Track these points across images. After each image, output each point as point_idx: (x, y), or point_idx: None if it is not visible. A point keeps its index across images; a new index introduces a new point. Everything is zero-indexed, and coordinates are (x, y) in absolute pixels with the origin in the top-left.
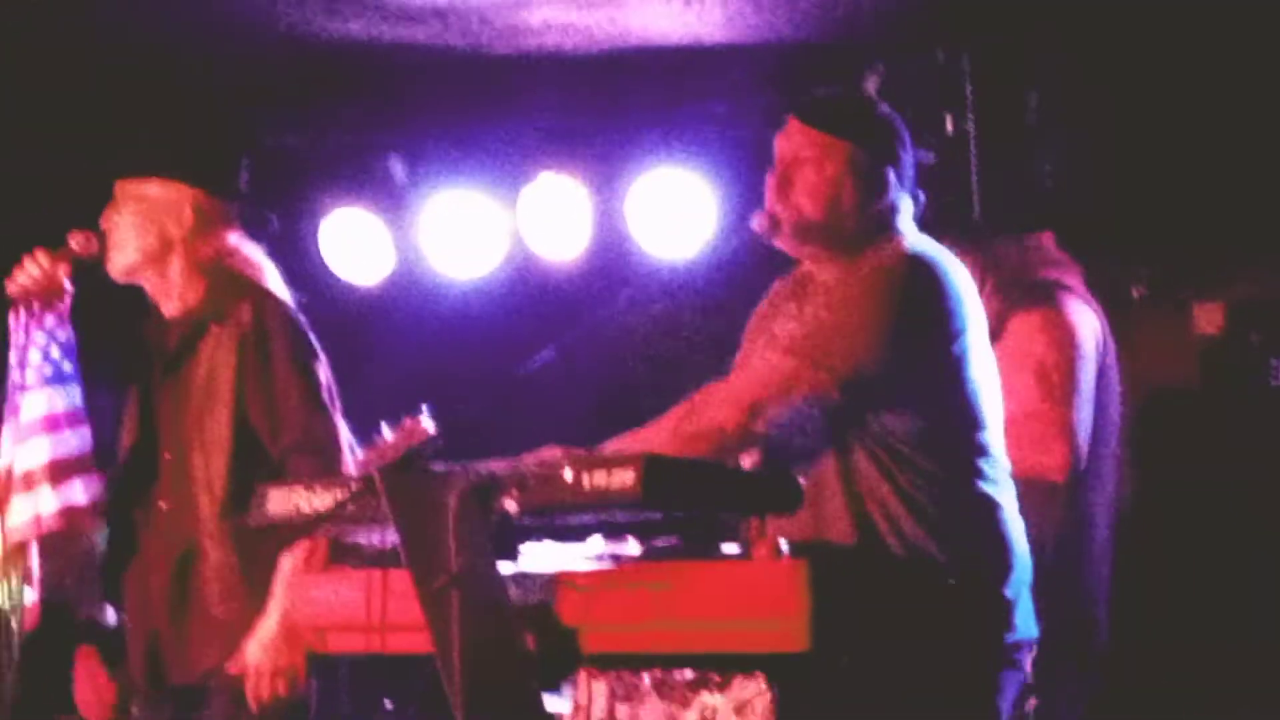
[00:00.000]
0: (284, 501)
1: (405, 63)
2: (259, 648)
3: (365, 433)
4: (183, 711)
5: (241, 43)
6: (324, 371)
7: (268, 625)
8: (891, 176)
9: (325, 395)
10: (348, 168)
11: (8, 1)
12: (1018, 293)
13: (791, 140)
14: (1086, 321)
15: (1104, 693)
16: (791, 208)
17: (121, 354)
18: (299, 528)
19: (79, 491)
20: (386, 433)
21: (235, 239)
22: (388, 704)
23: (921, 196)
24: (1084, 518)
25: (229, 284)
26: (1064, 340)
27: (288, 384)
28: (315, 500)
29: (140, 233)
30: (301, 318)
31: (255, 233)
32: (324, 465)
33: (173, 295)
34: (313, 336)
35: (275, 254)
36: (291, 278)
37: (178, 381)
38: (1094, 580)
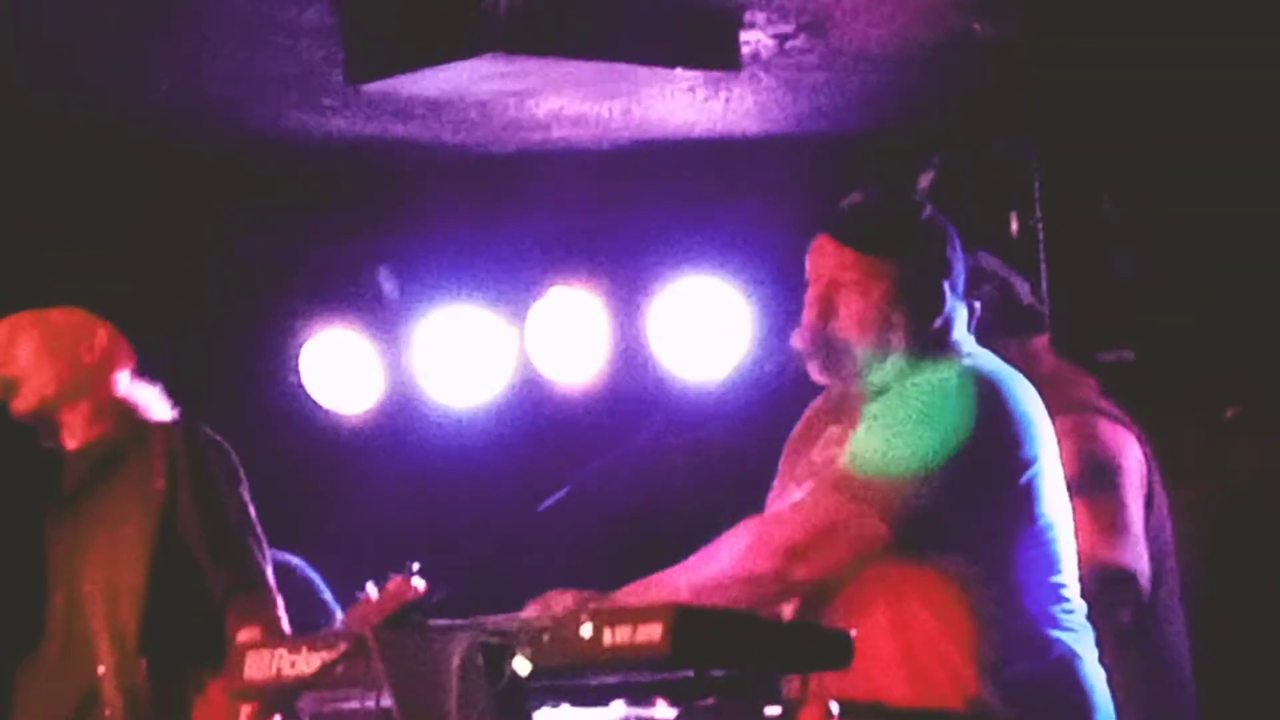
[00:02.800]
0: (264, 665)
1: (394, 163)
2: None
3: (346, 589)
4: None
5: (202, 140)
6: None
7: None
8: (945, 288)
9: (258, 526)
10: (331, 282)
11: None
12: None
13: (827, 260)
14: (1128, 449)
15: None
16: (830, 337)
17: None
18: (283, 693)
19: None
20: (371, 591)
21: (130, 372)
22: None
23: (977, 305)
24: (1163, 664)
25: (139, 414)
26: (1109, 471)
27: (227, 513)
28: (300, 662)
29: (52, 361)
30: (226, 445)
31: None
32: (266, 604)
33: (80, 426)
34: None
35: (244, 376)
36: (268, 406)
37: (77, 517)
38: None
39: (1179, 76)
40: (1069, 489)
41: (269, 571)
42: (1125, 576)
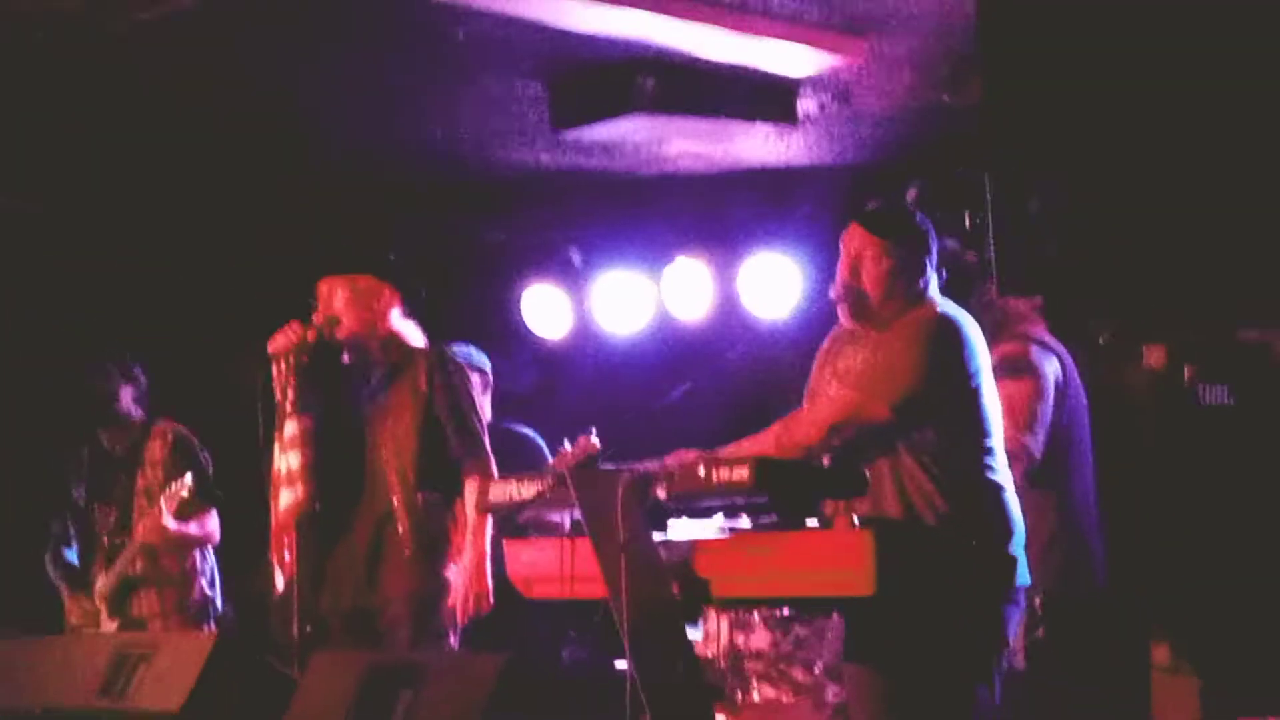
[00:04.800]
0: (501, 492)
1: (581, 181)
2: (462, 578)
3: (553, 444)
4: (376, 628)
5: (472, 171)
6: (480, 401)
7: (466, 566)
8: (926, 263)
9: (483, 415)
10: (541, 255)
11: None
12: (999, 341)
13: (855, 240)
14: (1047, 362)
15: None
16: (855, 290)
17: (332, 396)
18: (512, 510)
19: (315, 488)
20: (567, 445)
21: (400, 314)
22: (573, 634)
23: (944, 273)
24: (1069, 509)
25: (406, 341)
26: (1028, 379)
27: (462, 406)
28: (524, 490)
29: (357, 307)
30: (484, 360)
31: (411, 307)
32: (484, 463)
33: (376, 349)
34: (476, 375)
35: (489, 317)
36: (501, 334)
37: (376, 405)
38: (1090, 550)
39: (1085, 128)
40: (999, 386)
41: (487, 443)
42: (1019, 448)
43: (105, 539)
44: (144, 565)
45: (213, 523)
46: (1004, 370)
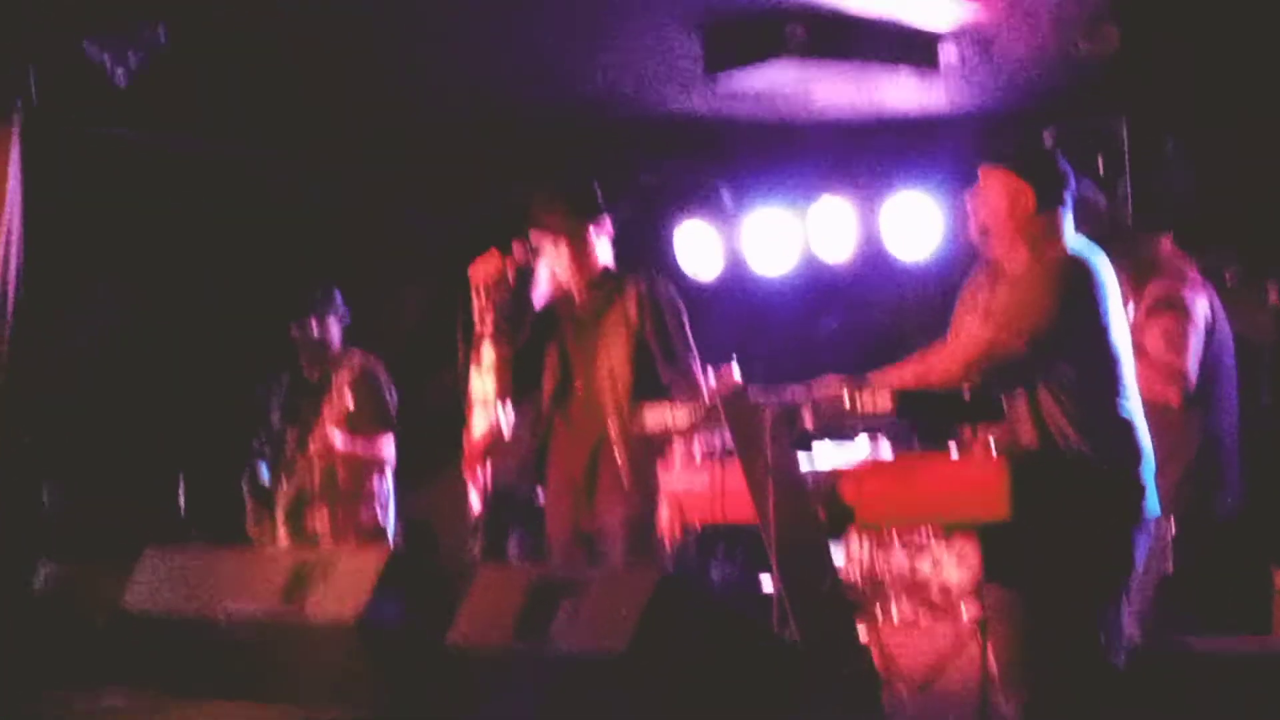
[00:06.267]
0: (659, 417)
1: (732, 126)
2: (667, 508)
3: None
4: (592, 549)
5: (630, 115)
6: (688, 328)
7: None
8: (1062, 206)
9: (691, 343)
10: (693, 194)
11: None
12: (1152, 278)
13: (994, 181)
14: (1198, 300)
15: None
16: (994, 231)
17: (537, 327)
18: (667, 434)
19: (512, 412)
20: (711, 376)
21: (607, 244)
22: (722, 552)
23: (1079, 215)
24: (1214, 433)
25: (614, 271)
26: (1181, 314)
27: (671, 333)
28: (679, 417)
29: (567, 263)
30: (673, 290)
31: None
32: (694, 388)
33: (580, 280)
34: (682, 306)
35: (645, 253)
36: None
37: (585, 334)
38: (1230, 472)
39: (1219, 73)
40: (1156, 320)
41: (698, 370)
42: (1177, 372)
43: (290, 457)
44: (320, 482)
45: (387, 447)
46: (1161, 306)
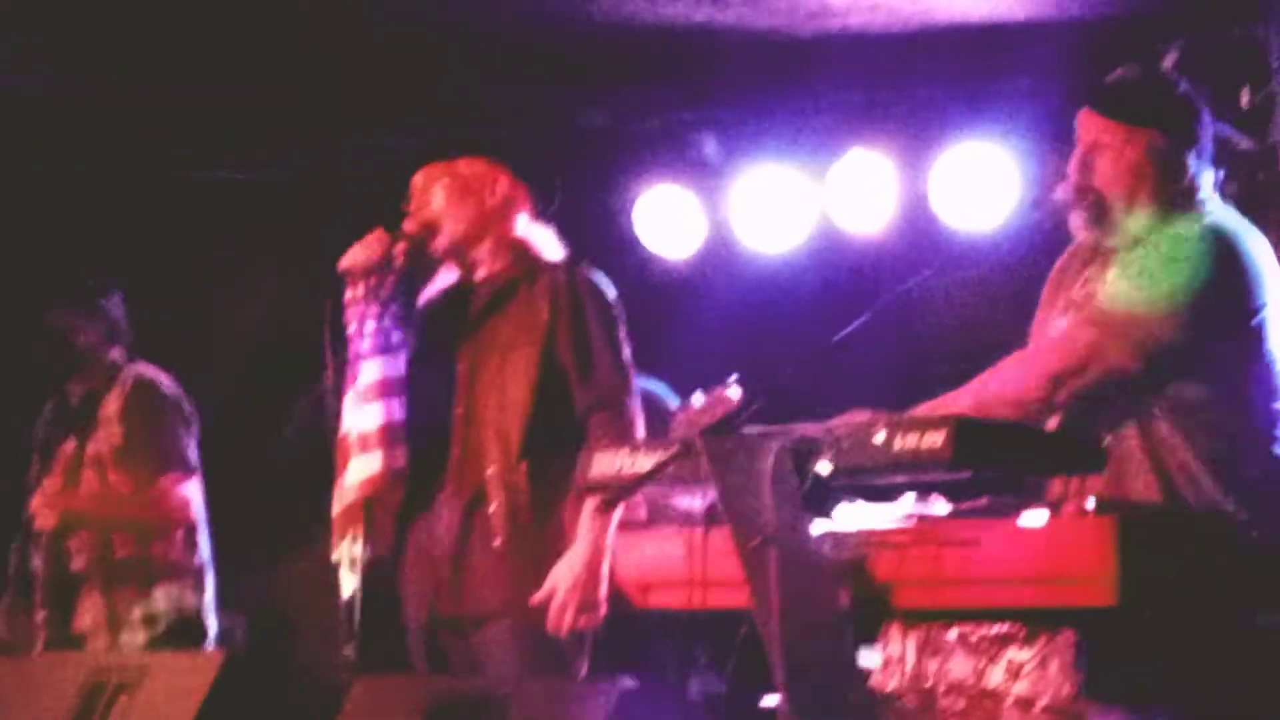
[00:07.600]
0: (608, 464)
1: (716, 44)
2: (566, 583)
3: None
4: (461, 641)
5: (557, 28)
6: (626, 339)
7: (574, 563)
8: (1191, 158)
9: (628, 360)
10: (661, 146)
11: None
12: None
13: (1091, 125)
14: None
15: None
16: (1093, 193)
17: (429, 330)
18: (622, 489)
19: (400, 455)
20: (697, 399)
21: (527, 215)
22: (703, 659)
23: (1221, 169)
24: None
25: (533, 253)
26: None
27: (600, 343)
28: (637, 462)
29: (461, 204)
30: (609, 289)
31: (542, 211)
32: (621, 423)
33: (485, 261)
34: (617, 307)
35: (588, 228)
36: (604, 251)
37: (477, 340)
38: None
39: None
40: None
41: (633, 396)
42: None
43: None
44: (88, 559)
45: (181, 496)
46: None
